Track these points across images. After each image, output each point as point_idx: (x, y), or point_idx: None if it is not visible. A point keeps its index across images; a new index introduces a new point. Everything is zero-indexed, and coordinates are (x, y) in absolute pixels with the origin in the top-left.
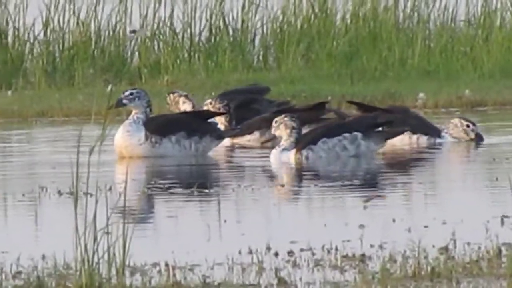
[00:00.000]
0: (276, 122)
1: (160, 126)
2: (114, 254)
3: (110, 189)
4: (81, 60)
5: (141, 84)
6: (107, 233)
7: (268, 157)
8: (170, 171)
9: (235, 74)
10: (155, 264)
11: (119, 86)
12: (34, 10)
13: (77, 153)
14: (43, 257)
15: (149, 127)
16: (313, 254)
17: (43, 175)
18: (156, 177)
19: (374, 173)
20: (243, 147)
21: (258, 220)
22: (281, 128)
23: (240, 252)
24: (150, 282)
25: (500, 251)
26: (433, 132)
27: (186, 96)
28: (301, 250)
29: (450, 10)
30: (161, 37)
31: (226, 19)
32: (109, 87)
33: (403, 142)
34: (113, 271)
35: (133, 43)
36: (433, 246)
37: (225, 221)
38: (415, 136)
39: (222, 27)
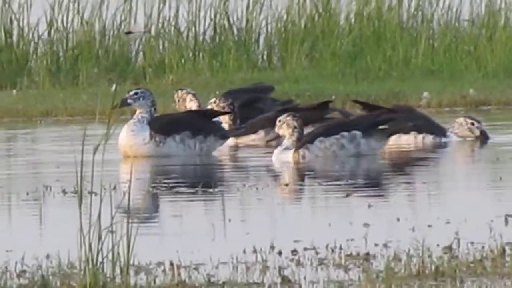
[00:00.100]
0: (279, 121)
1: (164, 126)
2: (118, 253)
3: (114, 188)
4: (86, 59)
5: (145, 83)
6: (112, 232)
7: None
8: (174, 170)
9: (239, 73)
10: (159, 263)
11: (124, 86)
12: (38, 10)
13: (81, 152)
14: (48, 256)
15: (154, 126)
16: (317, 253)
17: (47, 174)
18: (160, 176)
19: (379, 172)
20: (247, 146)
21: (262, 219)
22: (284, 127)
23: (244, 251)
24: (154, 281)
25: (504, 250)
26: (439, 131)
27: (193, 95)
28: (305, 249)
29: (454, 10)
30: (165, 36)
31: (231, 18)
32: (113, 86)
33: (409, 141)
34: (118, 270)
35: (137, 42)
36: (437, 245)
37: (229, 220)
38: (420, 136)
39: (226, 26)
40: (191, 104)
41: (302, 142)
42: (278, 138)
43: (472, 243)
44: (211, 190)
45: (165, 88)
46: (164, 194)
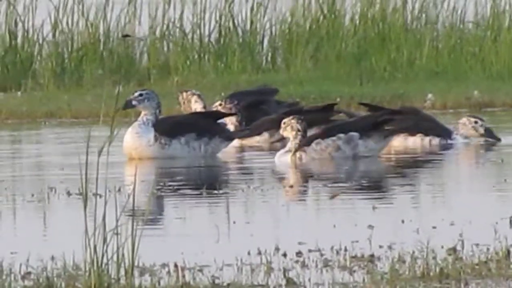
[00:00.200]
0: (284, 123)
1: (169, 128)
2: (123, 254)
3: (119, 190)
4: (90, 61)
5: (150, 85)
6: (116, 233)
7: None
8: (179, 172)
9: (244, 75)
10: (164, 265)
11: (128, 87)
12: (43, 12)
13: (86, 154)
14: (53, 258)
15: (159, 128)
16: (322, 254)
17: (52, 176)
18: (165, 178)
19: (383, 174)
20: (252, 148)
21: (267, 221)
22: (288, 130)
23: (249, 253)
24: (159, 283)
25: (508, 252)
26: (445, 133)
27: (198, 96)
28: (310, 250)
29: (459, 12)
30: (170, 38)
31: (235, 20)
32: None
33: (415, 144)
34: (122, 272)
35: (142, 44)
36: (442, 247)
37: (234, 222)
38: (427, 138)
39: (231, 28)
40: (196, 105)
41: (300, 144)
42: (283, 140)
43: (476, 245)
44: (215, 192)
45: (169, 89)
46: (168, 196)
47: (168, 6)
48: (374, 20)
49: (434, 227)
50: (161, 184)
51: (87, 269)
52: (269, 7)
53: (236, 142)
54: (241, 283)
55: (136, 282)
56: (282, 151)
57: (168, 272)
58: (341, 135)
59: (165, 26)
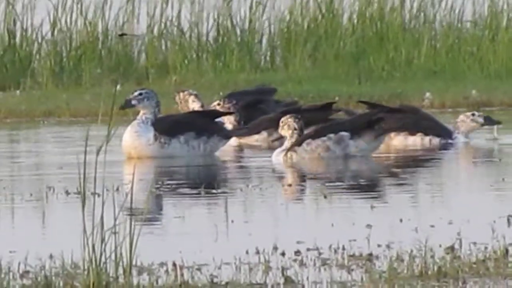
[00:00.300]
0: (282, 122)
1: (169, 127)
2: (121, 253)
3: (117, 189)
4: (89, 60)
5: (148, 84)
6: (115, 232)
7: None
8: (177, 171)
9: (242, 74)
10: (162, 264)
11: (126, 86)
12: (41, 11)
13: (84, 153)
14: (51, 256)
15: (158, 127)
16: (320, 253)
17: (50, 175)
18: (163, 177)
19: (381, 173)
20: (250, 147)
21: (265, 220)
22: (285, 129)
23: (247, 252)
24: (157, 282)
25: (506, 251)
26: (445, 133)
27: (196, 95)
28: (308, 249)
29: (457, 11)
30: (168, 37)
31: (234, 19)
32: (115, 87)
33: (415, 143)
34: (120, 271)
35: (140, 43)
36: (440, 246)
37: (232, 221)
38: (427, 138)
39: (229, 27)
40: (194, 105)
41: (292, 144)
42: (282, 139)
43: (474, 243)
44: (214, 190)
45: (168, 88)
46: (167, 194)
47: (166, 5)
48: (372, 19)
49: (432, 226)
50: (160, 183)
51: (86, 268)
52: (267, 6)
53: (234, 141)
54: (240, 282)
55: (135, 281)
56: (279, 150)
57: (167, 271)
58: (331, 135)
59: (163, 25)
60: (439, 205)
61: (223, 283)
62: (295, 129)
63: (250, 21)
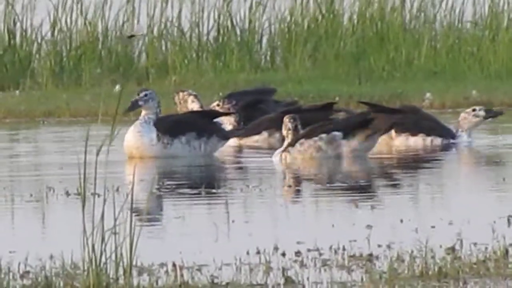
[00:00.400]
0: (283, 122)
1: (170, 127)
2: (121, 254)
3: (117, 189)
4: (88, 60)
5: (148, 84)
6: (115, 233)
7: None
8: (178, 171)
9: (242, 74)
10: (162, 264)
11: (126, 87)
12: (41, 11)
13: (84, 153)
14: (51, 257)
15: (160, 127)
16: (321, 254)
17: (50, 176)
18: (164, 177)
19: (381, 174)
20: (250, 147)
21: (265, 220)
22: (284, 129)
23: (248, 252)
24: (157, 282)
25: (507, 251)
26: (447, 133)
27: (195, 96)
28: (309, 250)
29: (457, 11)
30: (168, 37)
31: (234, 19)
32: (117, 87)
33: (417, 143)
34: (121, 271)
35: (140, 43)
36: (440, 246)
37: (233, 221)
38: (429, 138)
39: (229, 27)
40: (193, 106)
41: (286, 145)
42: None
43: (475, 244)
44: (214, 191)
45: (168, 88)
46: (167, 195)
47: (166, 5)
48: (373, 19)
49: (432, 227)
50: (160, 183)
51: (86, 268)
52: (267, 6)
53: (235, 141)
54: (240, 283)
55: (135, 282)
56: (279, 150)
57: (167, 271)
58: (323, 135)
59: (163, 25)
60: (439, 205)
61: (223, 283)
62: (289, 129)
63: (250, 21)
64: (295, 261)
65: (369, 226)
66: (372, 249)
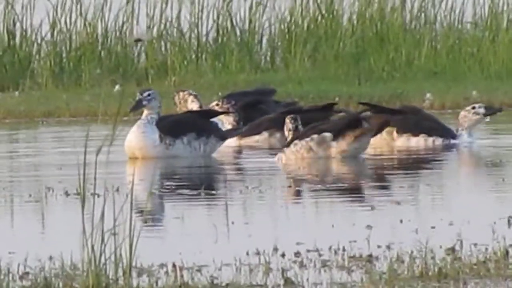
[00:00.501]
0: (285, 122)
1: (171, 127)
2: (121, 255)
3: (117, 190)
4: (88, 60)
5: (148, 84)
6: (114, 234)
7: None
8: (178, 172)
9: (242, 74)
10: (162, 265)
11: (126, 87)
12: (41, 11)
13: (84, 154)
14: (50, 258)
15: (161, 128)
16: (320, 255)
17: (49, 176)
18: (164, 178)
19: (381, 175)
20: (251, 147)
21: (265, 221)
22: (285, 129)
23: (247, 253)
24: (157, 283)
25: (507, 252)
26: (448, 133)
27: (195, 96)
28: (308, 251)
29: (457, 12)
30: (168, 37)
31: (234, 19)
32: (116, 87)
33: (418, 144)
34: (120, 272)
35: (139, 44)
36: (440, 247)
37: (232, 222)
38: (430, 139)
39: (229, 27)
40: (193, 105)
41: (283, 145)
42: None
43: (475, 244)
44: (214, 192)
45: (167, 89)
46: (167, 196)
47: (165, 6)
48: (373, 19)
49: (432, 227)
50: (160, 183)
51: (85, 269)
52: (267, 6)
53: (235, 142)
54: (240, 283)
55: (134, 283)
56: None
57: (166, 272)
58: (314, 136)
59: (162, 26)
60: (439, 206)
61: (223, 284)
62: (290, 129)
63: (250, 22)
64: (295, 261)
65: (369, 227)
66: (372, 249)
